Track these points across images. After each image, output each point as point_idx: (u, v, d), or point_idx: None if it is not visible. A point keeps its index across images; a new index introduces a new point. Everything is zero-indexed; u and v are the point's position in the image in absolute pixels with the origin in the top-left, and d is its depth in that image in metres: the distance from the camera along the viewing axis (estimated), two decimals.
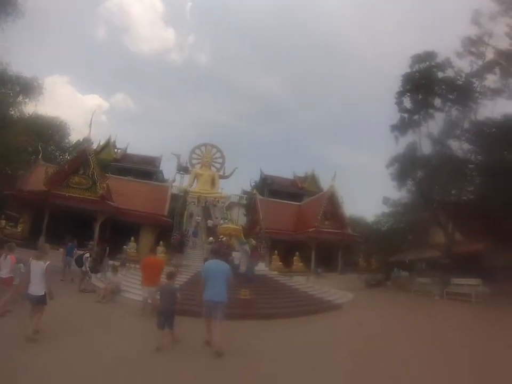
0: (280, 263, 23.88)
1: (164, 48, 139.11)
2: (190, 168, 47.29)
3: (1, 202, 24.50)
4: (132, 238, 22.50)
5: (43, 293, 6.92)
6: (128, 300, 12.67)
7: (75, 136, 42.26)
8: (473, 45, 23.02)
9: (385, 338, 9.79)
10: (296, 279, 20.44)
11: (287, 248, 26.03)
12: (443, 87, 23.69)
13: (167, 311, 7.39)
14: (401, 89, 24.67)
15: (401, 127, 24.37)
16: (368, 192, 67.75)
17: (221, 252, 13.24)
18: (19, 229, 22.50)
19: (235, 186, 52.46)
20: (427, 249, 24.63)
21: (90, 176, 24.07)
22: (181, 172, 32.58)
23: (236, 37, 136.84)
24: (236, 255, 18.25)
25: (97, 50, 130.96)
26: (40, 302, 6.94)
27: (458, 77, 23.66)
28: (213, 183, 46.75)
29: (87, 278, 14.69)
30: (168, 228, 26.01)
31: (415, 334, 10.71)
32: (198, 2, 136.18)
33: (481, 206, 21.50)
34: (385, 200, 26.45)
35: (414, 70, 24.52)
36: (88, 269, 14.62)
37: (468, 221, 22.84)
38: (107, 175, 25.99)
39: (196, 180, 46.95)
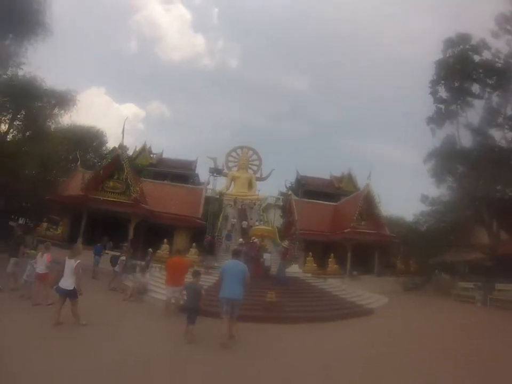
0: (315, 264, 23.00)
1: (194, 55, 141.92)
2: (227, 171, 47.15)
3: (43, 207, 25.81)
4: (165, 240, 22.30)
5: (72, 288, 7.83)
6: (154, 300, 12.74)
7: (114, 143, 43.79)
8: (508, 22, 21.06)
9: (412, 349, 9.00)
10: (329, 282, 19.78)
11: (322, 250, 25.16)
12: (481, 71, 21.83)
13: (192, 308, 8.09)
14: (435, 77, 23.01)
15: (438, 119, 22.78)
16: (406, 190, 65.29)
17: (242, 252, 12.53)
18: (59, 231, 23.52)
19: (272, 188, 51.69)
20: (470, 250, 22.84)
21: (124, 180, 24.55)
22: (215, 174, 32.17)
23: (262, 37, 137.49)
24: (267, 257, 17.75)
25: (130, 61, 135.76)
26: (69, 295, 7.86)
27: (497, 59, 21.71)
28: (250, 185, 46.48)
29: (118, 278, 14.94)
30: (202, 230, 26.03)
31: (448, 346, 9.55)
32: (224, 7, 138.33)
33: None
34: (424, 198, 24.86)
35: (448, 55, 22.80)
36: (121, 269, 14.95)
37: None
38: (140, 178, 26.44)
39: (232, 182, 46.90)
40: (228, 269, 8.16)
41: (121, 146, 25.64)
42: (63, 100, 25.36)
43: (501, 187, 21.79)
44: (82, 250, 9.78)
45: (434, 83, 23.19)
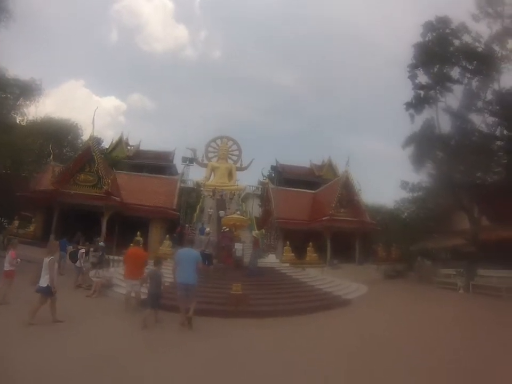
0: (293, 254, 21.83)
1: (177, 46, 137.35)
2: (206, 162, 45.96)
3: (14, 204, 24.43)
4: (138, 233, 20.71)
5: (45, 285, 7.76)
6: (119, 295, 11.74)
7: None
8: (489, 4, 20.00)
9: (387, 342, 8.02)
10: (306, 272, 18.68)
11: (301, 239, 23.90)
12: (460, 56, 20.61)
13: (155, 294, 8.68)
14: (414, 61, 21.56)
15: (417, 104, 21.36)
16: (388, 179, 64.32)
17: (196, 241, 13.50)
18: (31, 228, 22.72)
19: (253, 178, 50.46)
20: (451, 236, 21.98)
21: (95, 172, 23.48)
22: (187, 163, 30.89)
23: (247, 29, 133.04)
24: (239, 247, 16.58)
25: (110, 53, 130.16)
26: (43, 293, 7.79)
27: (477, 43, 20.54)
28: (230, 175, 45.24)
29: (83, 273, 14.03)
30: (177, 221, 25.45)
31: (426, 337, 8.64)
32: None
33: (510, 187, 18.74)
34: (404, 185, 23.65)
35: (427, 39, 21.35)
36: (83, 264, 14.12)
37: (496, 204, 19.91)
38: (113, 170, 25.14)
39: (212, 173, 45.63)
40: (182, 256, 8.74)
41: (92, 138, 24.62)
42: (27, 90, 23.65)
43: (482, 172, 20.76)
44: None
45: (413, 67, 21.85)
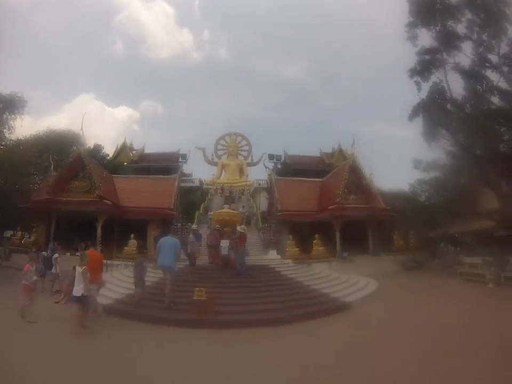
0: (296, 248, 19.13)
1: (183, 50, 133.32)
2: (216, 160, 43.68)
3: (16, 215, 23.91)
4: (132, 235, 19.96)
5: (80, 294, 7.70)
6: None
7: (110, 147, 43.73)
8: None
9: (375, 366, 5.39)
10: (311, 268, 16.09)
11: (308, 231, 20.97)
12: (464, 8, 17.16)
13: (140, 278, 10.26)
14: (411, 18, 17.97)
15: (422, 70, 17.76)
16: (404, 164, 59.48)
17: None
18: (32, 238, 21.92)
19: (265, 172, 47.54)
20: (476, 218, 18.21)
21: (88, 178, 22.12)
22: (184, 161, 28.69)
23: (250, 24, 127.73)
24: (224, 244, 14.14)
25: (117, 64, 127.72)
26: (80, 302, 7.79)
27: None
28: (241, 171, 43.13)
29: (59, 279, 13.21)
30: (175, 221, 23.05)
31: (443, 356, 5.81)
32: None
33: None
34: (417, 163, 19.72)
35: None
36: (58, 270, 13.33)
37: None
38: (104, 174, 23.52)
39: (223, 170, 43.20)
40: (163, 244, 9.92)
41: (82, 144, 23.38)
42: (11, 103, 22.64)
43: (508, 138, 17.04)
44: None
45: (411, 26, 18.23)
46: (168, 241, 10.03)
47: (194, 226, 17.38)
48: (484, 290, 13.18)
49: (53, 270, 13.19)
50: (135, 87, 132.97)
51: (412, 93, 18.18)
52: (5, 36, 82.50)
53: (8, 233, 26.86)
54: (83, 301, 7.81)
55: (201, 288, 9.15)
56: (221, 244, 14.18)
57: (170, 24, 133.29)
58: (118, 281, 13.51)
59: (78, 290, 7.75)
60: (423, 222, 22.22)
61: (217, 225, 16.63)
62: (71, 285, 8.08)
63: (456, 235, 22.07)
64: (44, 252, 14.39)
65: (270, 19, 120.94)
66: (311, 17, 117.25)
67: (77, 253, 17.24)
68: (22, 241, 22.77)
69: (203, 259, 15.87)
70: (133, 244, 19.59)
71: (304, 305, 9.97)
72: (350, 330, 8.13)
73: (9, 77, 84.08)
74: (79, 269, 7.94)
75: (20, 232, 23.36)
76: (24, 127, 37.04)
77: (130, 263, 15.80)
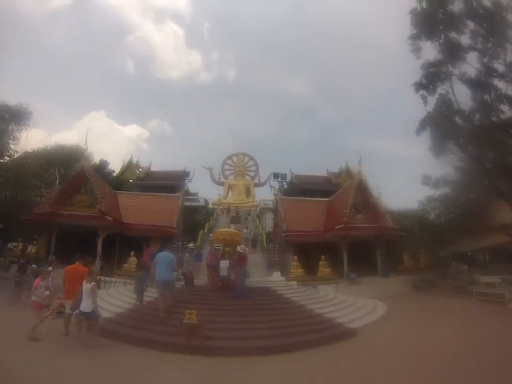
0: (301, 270, 18.29)
1: (192, 71, 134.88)
2: (223, 180, 43.16)
3: (19, 226, 23.69)
4: (132, 253, 19.35)
5: (90, 310, 7.73)
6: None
7: (118, 165, 43.42)
8: None
9: None
10: (316, 290, 15.34)
11: (314, 252, 20.03)
12: (467, 19, 16.56)
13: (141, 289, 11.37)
14: (414, 30, 17.27)
15: (428, 83, 16.93)
16: (412, 183, 57.91)
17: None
18: (33, 250, 21.59)
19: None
20: (490, 234, 17.13)
21: (90, 193, 21.80)
22: (186, 179, 28.04)
23: (257, 44, 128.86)
24: (224, 265, 13.36)
25: (127, 83, 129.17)
26: (87, 317, 7.78)
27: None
28: (248, 192, 42.39)
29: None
30: (177, 239, 22.36)
31: None
32: (214, 20, 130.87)
33: None
34: (426, 180, 18.80)
35: (423, 4, 17.18)
36: (50, 284, 11.73)
37: None
38: (106, 189, 22.83)
39: (230, 191, 42.52)
40: (159, 259, 10.02)
41: (86, 158, 23.09)
42: (17, 114, 22.57)
43: None
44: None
45: (414, 38, 17.52)
46: (165, 256, 10.12)
47: (191, 245, 16.62)
48: (503, 311, 12.09)
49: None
50: (145, 106, 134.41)
51: (418, 108, 17.47)
52: (19, 53, 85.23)
53: (12, 245, 26.70)
54: (92, 316, 7.82)
55: (191, 311, 8.31)
56: (221, 264, 13.41)
57: (180, 45, 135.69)
58: (112, 300, 12.72)
59: (87, 305, 7.74)
60: (433, 240, 21.03)
61: (216, 245, 15.95)
62: (78, 299, 7.94)
63: (469, 253, 20.82)
64: (33, 265, 13.78)
65: (276, 37, 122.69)
66: (315, 34, 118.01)
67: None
68: (23, 253, 21.85)
69: (203, 279, 15.09)
70: (132, 261, 18.93)
71: (304, 332, 8.97)
72: (353, 361, 7.12)
73: (21, 92, 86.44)
74: (88, 285, 7.88)
75: (22, 244, 22.81)
76: (35, 141, 37.28)
77: (128, 281, 15.55)
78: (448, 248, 20.24)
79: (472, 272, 17.93)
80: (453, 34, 16.98)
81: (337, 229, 20.12)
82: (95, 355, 7.23)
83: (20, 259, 14.26)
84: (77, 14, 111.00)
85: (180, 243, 20.82)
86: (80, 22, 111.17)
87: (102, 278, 16.62)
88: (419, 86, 17.21)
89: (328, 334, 8.97)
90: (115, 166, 40.62)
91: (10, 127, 22.66)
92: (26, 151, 29.78)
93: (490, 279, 15.53)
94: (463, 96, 16.84)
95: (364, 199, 21.49)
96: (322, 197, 27.73)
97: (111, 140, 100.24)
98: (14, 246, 25.36)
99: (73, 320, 8.38)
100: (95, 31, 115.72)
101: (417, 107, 17.53)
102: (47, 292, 8.86)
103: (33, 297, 8.52)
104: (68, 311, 8.81)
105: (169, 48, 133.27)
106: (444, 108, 16.32)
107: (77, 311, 8.01)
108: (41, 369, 6.13)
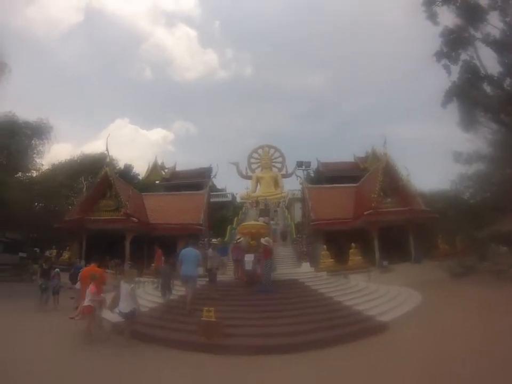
0: (331, 260, 17.63)
1: (209, 70, 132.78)
2: (250, 174, 42.98)
3: (51, 235, 25.25)
4: (160, 251, 18.32)
5: (128, 311, 7.80)
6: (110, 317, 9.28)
7: (146, 167, 43.48)
8: None
9: None
10: (347, 280, 14.48)
11: (344, 241, 19.37)
12: None
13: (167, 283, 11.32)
14: None
15: (450, 51, 15.69)
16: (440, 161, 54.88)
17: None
18: (66, 256, 22.22)
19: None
20: None
21: (115, 197, 22.44)
22: (210, 175, 27.99)
23: (270, 38, 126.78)
24: (249, 259, 12.90)
25: (147, 89, 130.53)
26: (126, 317, 7.88)
27: None
28: (276, 184, 41.98)
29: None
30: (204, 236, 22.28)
31: None
32: (224, 18, 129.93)
33: None
34: (457, 156, 17.55)
35: None
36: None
37: None
38: (130, 192, 23.37)
39: (258, 183, 42.21)
40: (185, 255, 10.11)
41: (108, 164, 23.88)
42: (38, 130, 23.39)
43: None
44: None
45: (429, 3, 16.22)
46: (190, 252, 10.21)
47: (214, 240, 16.32)
48: None
49: (77, 286, 12.11)
50: (166, 109, 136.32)
51: (442, 81, 16.22)
52: (39, 75, 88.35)
53: (48, 253, 27.74)
54: (131, 316, 7.90)
55: (209, 308, 7.94)
56: (245, 258, 12.97)
57: (194, 46, 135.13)
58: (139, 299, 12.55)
59: (126, 306, 7.82)
60: (468, 221, 19.58)
61: (238, 238, 15.59)
62: (116, 300, 8.13)
63: (509, 233, 19.39)
64: (56, 269, 13.90)
65: (290, 30, 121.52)
66: (330, 23, 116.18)
67: (107, 270, 17.26)
68: (57, 259, 22.52)
69: (229, 274, 14.79)
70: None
71: (330, 327, 8.33)
72: (379, 359, 6.39)
73: (44, 112, 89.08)
74: (126, 286, 8.00)
75: (55, 251, 23.37)
76: (64, 155, 38.84)
77: (156, 279, 15.32)
78: (486, 229, 18.69)
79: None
80: None
81: (366, 215, 19.38)
82: (106, 353, 7.28)
83: (43, 264, 14.42)
84: (90, 29, 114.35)
85: (206, 239, 20.59)
86: (94, 37, 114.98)
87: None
88: (440, 55, 16.02)
89: (356, 328, 8.26)
90: (142, 170, 41.38)
91: (33, 142, 23.44)
92: (53, 164, 31.55)
93: None
94: (489, 61, 15.53)
95: (392, 182, 20.53)
96: (350, 183, 26.78)
97: (136, 145, 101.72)
98: (50, 253, 26.08)
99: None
100: (110, 43, 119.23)
101: (441, 81, 16.41)
102: (102, 295, 8.80)
103: (89, 303, 8.31)
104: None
105: (184, 50, 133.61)
106: (470, 75, 15.07)
107: (116, 310, 8.10)
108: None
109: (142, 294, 13.68)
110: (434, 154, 65.76)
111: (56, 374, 5.92)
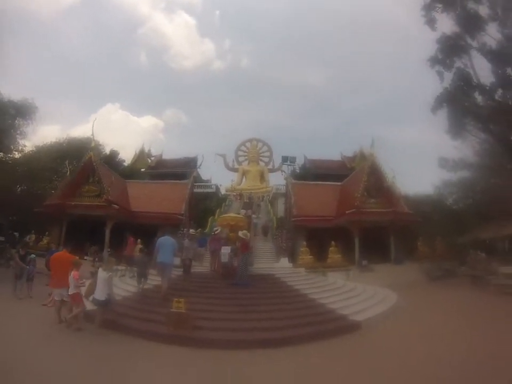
0: (311, 257, 17.56)
1: (205, 60, 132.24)
2: (237, 166, 42.71)
3: (32, 219, 24.32)
4: (138, 240, 18.60)
5: (103, 298, 7.77)
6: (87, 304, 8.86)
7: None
8: None
9: None
10: (325, 278, 14.47)
11: (325, 238, 19.25)
12: None
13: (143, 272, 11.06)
14: (428, 0, 15.98)
15: (444, 58, 15.68)
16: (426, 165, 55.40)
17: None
18: (44, 241, 21.80)
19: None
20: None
21: (97, 183, 21.86)
22: (194, 166, 27.74)
23: (270, 32, 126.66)
24: (225, 251, 12.66)
25: (141, 75, 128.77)
26: (99, 305, 7.82)
27: None
28: (262, 178, 41.70)
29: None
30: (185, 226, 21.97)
31: None
32: (226, 8, 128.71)
33: None
34: (443, 162, 17.62)
35: None
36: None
37: None
38: (112, 178, 22.59)
39: (244, 177, 41.99)
40: (161, 243, 10.18)
41: (93, 148, 23.53)
42: (22, 109, 22.64)
43: None
44: None
45: (428, 8, 16.25)
46: (167, 240, 10.25)
47: (192, 231, 16.15)
48: None
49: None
50: (159, 97, 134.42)
51: (435, 87, 16.18)
52: (33, 53, 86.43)
53: (28, 237, 27.06)
54: (105, 304, 7.84)
55: (179, 299, 7.74)
56: (222, 250, 12.72)
57: (192, 34, 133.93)
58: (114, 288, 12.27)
59: (102, 294, 7.78)
60: (450, 226, 19.94)
61: (216, 229, 15.36)
62: (93, 287, 8.14)
63: (488, 241, 19.59)
64: (32, 255, 13.39)
65: (290, 26, 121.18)
66: (330, 21, 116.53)
67: (86, 257, 17.73)
68: (36, 245, 22.10)
69: (206, 266, 14.54)
70: (137, 249, 18.03)
71: (301, 325, 8.15)
72: (348, 359, 6.32)
73: (36, 91, 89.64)
74: (104, 273, 7.95)
75: (34, 236, 22.83)
76: (52, 137, 37.54)
77: (126, 268, 15.13)
78: (466, 235, 19.01)
79: (490, 262, 16.69)
80: (471, 4, 15.61)
81: (348, 214, 19.35)
82: (75, 341, 7.13)
83: (19, 250, 13.88)
84: (88, 10, 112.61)
85: (185, 230, 20.32)
86: (92, 18, 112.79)
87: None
88: (435, 61, 15.99)
89: (326, 328, 8.07)
90: (130, 157, 40.60)
91: (17, 122, 22.69)
92: (38, 146, 30.61)
93: (510, 269, 14.14)
94: (483, 70, 15.52)
95: (377, 183, 20.51)
96: (336, 182, 26.73)
97: (126, 131, 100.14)
98: (29, 238, 25.64)
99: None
100: (107, 25, 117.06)
101: (434, 86, 16.38)
102: (83, 281, 8.65)
103: (75, 290, 8.12)
104: (56, 298, 8.52)
105: (182, 37, 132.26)
106: (462, 83, 15.08)
107: (91, 298, 8.04)
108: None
109: (117, 282, 13.44)
110: (423, 158, 66.13)
111: (20, 361, 5.79)
